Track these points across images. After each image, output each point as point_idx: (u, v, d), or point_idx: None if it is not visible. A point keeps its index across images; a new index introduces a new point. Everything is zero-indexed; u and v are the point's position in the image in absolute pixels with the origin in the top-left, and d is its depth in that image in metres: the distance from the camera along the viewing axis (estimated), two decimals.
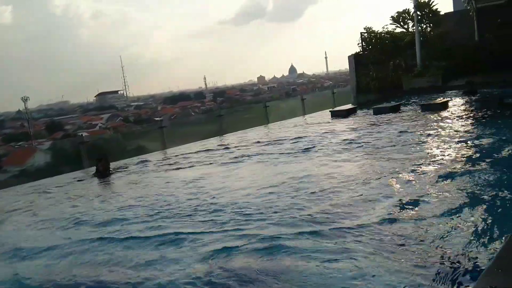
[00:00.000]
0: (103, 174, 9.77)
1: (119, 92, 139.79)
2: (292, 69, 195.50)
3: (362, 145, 9.04)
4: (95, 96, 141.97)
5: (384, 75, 19.82)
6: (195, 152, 11.08)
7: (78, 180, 9.69)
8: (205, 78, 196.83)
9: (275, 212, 5.21)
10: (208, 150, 11.22)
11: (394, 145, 8.62)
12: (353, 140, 9.83)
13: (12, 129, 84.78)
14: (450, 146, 7.90)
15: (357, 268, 3.61)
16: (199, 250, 4.39)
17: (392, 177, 6.18)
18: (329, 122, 13.70)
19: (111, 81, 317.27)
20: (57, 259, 4.73)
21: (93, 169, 10.09)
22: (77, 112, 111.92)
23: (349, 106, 16.55)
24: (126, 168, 10.24)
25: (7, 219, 6.98)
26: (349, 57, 21.41)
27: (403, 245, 3.95)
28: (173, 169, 9.38)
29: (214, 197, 6.34)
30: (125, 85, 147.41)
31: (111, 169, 10.00)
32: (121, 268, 4.26)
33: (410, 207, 4.92)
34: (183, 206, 6.04)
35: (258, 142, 11.47)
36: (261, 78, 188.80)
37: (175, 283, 3.77)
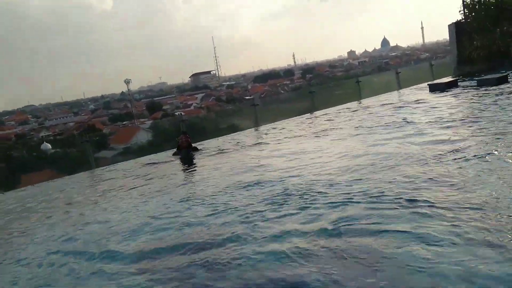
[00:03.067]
0: (187, 150, 10.00)
1: (211, 72, 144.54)
2: (385, 42, 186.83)
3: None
4: (189, 77, 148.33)
5: (490, 43, 18.16)
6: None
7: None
8: (294, 55, 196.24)
9: None
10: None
11: None
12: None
13: (117, 109, 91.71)
14: None
15: None
16: None
17: None
18: (428, 97, 12.90)
19: (204, 62, 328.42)
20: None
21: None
22: (174, 92, 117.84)
23: (449, 78, 15.47)
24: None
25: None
26: (449, 25, 19.90)
27: None
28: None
29: None
30: (217, 65, 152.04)
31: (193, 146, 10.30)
32: None
33: None
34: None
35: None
36: (351, 52, 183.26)
37: None
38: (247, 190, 5.99)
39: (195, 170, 8.64)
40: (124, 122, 66.34)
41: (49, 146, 43.65)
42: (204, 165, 8.65)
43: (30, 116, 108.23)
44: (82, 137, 12.04)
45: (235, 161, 8.45)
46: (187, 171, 8.84)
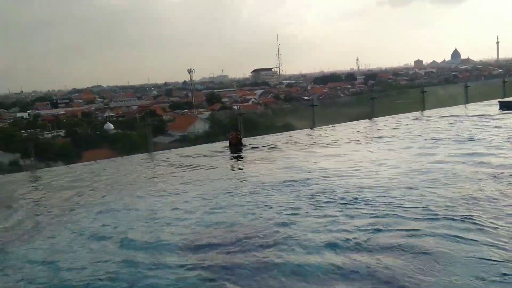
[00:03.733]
0: (236, 147, 9.99)
1: (272, 69, 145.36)
2: (455, 54, 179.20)
3: None
4: (250, 72, 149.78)
5: None
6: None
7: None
8: (357, 60, 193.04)
9: None
10: None
11: None
12: None
13: (177, 97, 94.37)
14: None
15: None
16: None
17: None
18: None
19: (266, 58, 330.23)
20: None
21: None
22: (234, 86, 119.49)
23: None
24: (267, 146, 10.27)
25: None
26: None
27: None
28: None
29: None
30: (279, 63, 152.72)
31: (244, 144, 10.26)
32: None
33: None
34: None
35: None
36: (418, 62, 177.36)
37: None
38: (290, 187, 6.05)
39: (245, 163, 8.75)
40: (183, 111, 68.11)
41: (111, 126, 45.76)
42: (254, 160, 8.72)
43: (97, 96, 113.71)
44: (144, 120, 12.47)
45: (285, 158, 8.46)
46: (236, 164, 8.99)
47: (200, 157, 9.44)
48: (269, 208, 5.21)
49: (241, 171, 8.18)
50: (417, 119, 13.03)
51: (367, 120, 13.45)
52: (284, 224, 4.60)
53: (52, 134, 41.71)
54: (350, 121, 13.47)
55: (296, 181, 6.33)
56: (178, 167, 8.48)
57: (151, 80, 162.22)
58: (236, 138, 10.24)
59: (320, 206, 5.08)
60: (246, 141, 10.85)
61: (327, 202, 5.22)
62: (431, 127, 11.02)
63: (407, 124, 11.88)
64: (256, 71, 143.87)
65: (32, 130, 10.87)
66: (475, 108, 14.33)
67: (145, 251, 4.20)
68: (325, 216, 4.73)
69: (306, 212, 4.92)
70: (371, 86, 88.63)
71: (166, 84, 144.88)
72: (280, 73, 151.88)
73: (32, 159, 9.78)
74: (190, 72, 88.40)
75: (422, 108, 14.80)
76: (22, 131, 10.88)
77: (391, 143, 9.25)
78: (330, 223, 4.49)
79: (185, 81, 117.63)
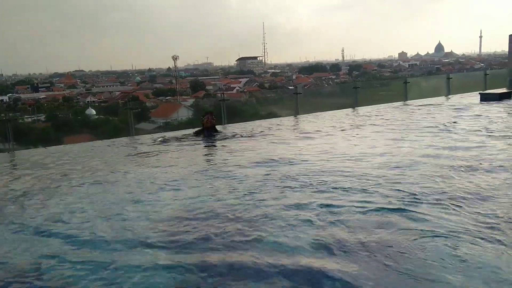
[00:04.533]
0: (209, 131, 9.82)
1: (258, 58, 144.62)
2: (439, 47, 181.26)
3: None
4: (236, 61, 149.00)
5: None
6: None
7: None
8: (343, 51, 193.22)
9: None
10: None
11: None
12: None
13: (161, 84, 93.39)
14: None
15: None
16: None
17: None
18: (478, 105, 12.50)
19: (251, 47, 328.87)
20: None
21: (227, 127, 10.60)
22: (219, 74, 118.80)
23: (504, 89, 14.83)
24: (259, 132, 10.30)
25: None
26: (510, 36, 19.07)
27: None
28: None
29: None
30: (264, 52, 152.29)
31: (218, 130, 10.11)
32: None
33: None
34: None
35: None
36: (402, 54, 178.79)
37: None
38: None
39: (215, 148, 8.73)
40: (167, 98, 67.47)
41: (93, 111, 44.90)
42: (226, 146, 8.70)
43: (79, 80, 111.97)
44: (126, 105, 12.30)
45: (263, 144, 8.51)
46: (207, 149, 8.94)
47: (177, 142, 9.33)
48: (235, 190, 5.27)
49: (209, 157, 8.12)
50: (399, 108, 13.21)
51: (350, 109, 13.53)
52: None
53: (33, 118, 40.85)
54: (334, 109, 13.54)
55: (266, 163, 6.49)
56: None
57: (134, 66, 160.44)
58: (211, 122, 10.01)
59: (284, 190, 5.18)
60: (226, 128, 10.83)
61: (290, 186, 5.31)
62: (411, 117, 11.20)
63: (387, 114, 12.00)
64: (241, 59, 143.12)
65: (11, 114, 10.61)
66: (456, 99, 14.56)
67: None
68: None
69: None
70: (356, 77, 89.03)
71: (150, 70, 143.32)
72: (266, 62, 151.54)
73: (11, 142, 9.59)
74: (175, 58, 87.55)
75: (405, 98, 14.94)
76: (2, 114, 10.64)
77: (369, 131, 9.40)
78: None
79: (169, 67, 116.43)
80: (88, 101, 65.18)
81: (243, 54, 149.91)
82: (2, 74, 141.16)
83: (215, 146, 8.92)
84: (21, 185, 6.20)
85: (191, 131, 10.43)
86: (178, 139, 9.59)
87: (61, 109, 48.11)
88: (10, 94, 79.20)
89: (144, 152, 8.35)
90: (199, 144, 9.13)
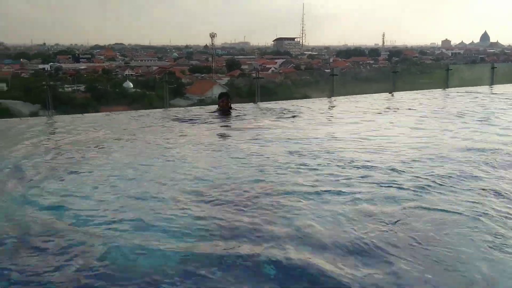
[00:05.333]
0: (224, 111, 9.65)
1: (295, 39, 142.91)
2: (485, 37, 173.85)
3: None
4: (273, 41, 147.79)
5: None
6: None
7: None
8: (383, 35, 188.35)
9: None
10: None
11: None
12: None
13: (198, 61, 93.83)
14: None
15: None
16: None
17: None
18: None
19: (289, 28, 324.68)
20: None
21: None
22: (255, 54, 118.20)
23: None
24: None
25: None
26: None
27: None
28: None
29: None
30: (302, 34, 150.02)
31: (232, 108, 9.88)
32: None
33: None
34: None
35: None
36: (446, 42, 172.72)
37: None
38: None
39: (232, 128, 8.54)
40: (202, 75, 67.83)
41: (131, 85, 45.80)
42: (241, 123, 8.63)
43: (118, 53, 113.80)
44: (162, 79, 12.42)
45: (292, 124, 8.44)
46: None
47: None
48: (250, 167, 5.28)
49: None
50: (439, 95, 12.87)
51: (387, 94, 13.26)
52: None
53: (72, 88, 42.07)
54: (370, 93, 13.32)
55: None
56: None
57: (172, 42, 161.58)
58: (227, 105, 9.85)
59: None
60: (258, 106, 10.82)
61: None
62: (450, 105, 10.91)
63: (426, 100, 11.74)
64: (278, 40, 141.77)
65: (52, 83, 10.93)
66: (500, 89, 14.03)
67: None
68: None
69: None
70: (395, 63, 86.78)
71: (187, 46, 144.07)
72: (303, 43, 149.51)
73: (51, 110, 9.90)
74: (212, 36, 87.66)
75: (446, 86, 14.49)
76: (43, 83, 10.95)
77: (405, 116, 9.27)
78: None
79: (206, 45, 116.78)
80: (126, 74, 66.32)
81: (281, 35, 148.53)
82: (44, 43, 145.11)
83: (229, 126, 8.75)
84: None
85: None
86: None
87: (100, 81, 49.21)
88: (52, 63, 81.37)
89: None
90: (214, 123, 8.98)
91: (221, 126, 8.58)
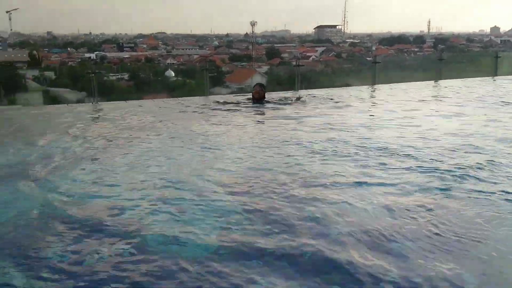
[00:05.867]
0: (258, 101, 9.48)
1: (337, 27, 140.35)
2: None
3: None
4: (314, 29, 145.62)
5: None
6: None
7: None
8: (429, 22, 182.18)
9: None
10: None
11: None
12: None
13: (238, 49, 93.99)
14: None
15: None
16: None
17: None
18: None
19: (331, 15, 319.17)
20: None
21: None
22: (295, 42, 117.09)
23: None
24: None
25: None
26: None
27: None
28: None
29: None
30: (344, 21, 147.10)
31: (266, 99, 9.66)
32: None
33: None
34: None
35: None
36: (495, 29, 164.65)
37: None
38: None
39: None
40: (242, 63, 67.92)
41: (172, 73, 46.52)
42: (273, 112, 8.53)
43: (161, 42, 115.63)
44: (203, 67, 12.53)
45: (330, 111, 8.31)
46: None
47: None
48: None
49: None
50: (487, 83, 12.36)
51: (432, 82, 12.86)
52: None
53: (117, 76, 43.20)
54: (415, 81, 12.99)
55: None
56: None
57: (213, 31, 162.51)
58: (259, 93, 9.69)
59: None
60: (297, 93, 10.74)
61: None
62: (498, 93, 10.44)
63: (474, 88, 11.30)
64: (319, 27, 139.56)
65: (98, 71, 11.27)
66: None
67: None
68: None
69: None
70: (441, 50, 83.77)
71: (227, 35, 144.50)
72: (345, 31, 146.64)
73: (96, 97, 10.24)
74: (253, 24, 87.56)
75: (494, 74, 13.88)
76: (88, 71, 11.34)
77: (447, 105, 8.97)
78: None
79: (246, 33, 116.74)
80: (168, 63, 67.38)
81: (322, 22, 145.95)
82: (90, 33, 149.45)
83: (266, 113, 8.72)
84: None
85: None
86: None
87: (143, 69, 50.24)
88: (97, 52, 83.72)
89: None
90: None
91: (259, 114, 8.55)
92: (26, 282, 2.65)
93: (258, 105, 9.26)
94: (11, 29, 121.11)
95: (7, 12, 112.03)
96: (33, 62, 61.37)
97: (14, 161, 5.22)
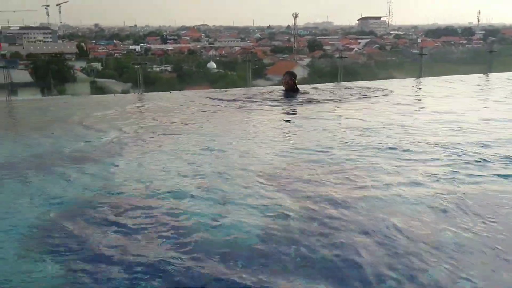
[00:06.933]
0: (291, 90, 8.85)
1: (381, 18, 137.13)
2: None
3: None
4: (357, 20, 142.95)
5: None
6: None
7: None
8: (479, 13, 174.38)
9: None
10: None
11: None
12: None
13: (279, 41, 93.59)
14: None
15: None
16: None
17: None
18: None
19: (375, 6, 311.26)
20: None
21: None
22: (338, 34, 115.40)
23: None
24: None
25: None
26: None
27: None
28: None
29: None
30: (389, 12, 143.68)
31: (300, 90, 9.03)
32: None
33: None
34: None
35: None
36: None
37: None
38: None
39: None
40: (284, 55, 67.63)
41: (214, 65, 46.94)
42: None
43: (203, 34, 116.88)
44: (245, 58, 12.56)
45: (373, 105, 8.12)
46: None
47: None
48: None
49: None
50: None
51: (481, 75, 12.34)
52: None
53: (160, 68, 44.04)
54: (463, 74, 12.52)
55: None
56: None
57: (255, 23, 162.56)
58: (288, 83, 8.91)
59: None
60: (339, 85, 10.53)
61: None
62: None
63: None
64: (363, 19, 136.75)
65: (144, 62, 11.58)
66: None
67: None
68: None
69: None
70: (491, 42, 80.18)
71: (269, 27, 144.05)
72: (389, 22, 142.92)
73: (141, 88, 10.54)
74: (295, 16, 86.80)
75: None
76: (133, 63, 11.75)
77: (497, 97, 8.66)
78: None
79: (288, 25, 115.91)
80: (210, 55, 68.07)
81: (366, 14, 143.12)
82: (135, 25, 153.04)
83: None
84: None
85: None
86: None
87: (185, 61, 50.95)
88: (142, 44, 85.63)
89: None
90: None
91: (296, 107, 8.37)
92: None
93: (292, 98, 8.68)
94: (61, 22, 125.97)
95: (57, 5, 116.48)
96: (81, 53, 63.64)
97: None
